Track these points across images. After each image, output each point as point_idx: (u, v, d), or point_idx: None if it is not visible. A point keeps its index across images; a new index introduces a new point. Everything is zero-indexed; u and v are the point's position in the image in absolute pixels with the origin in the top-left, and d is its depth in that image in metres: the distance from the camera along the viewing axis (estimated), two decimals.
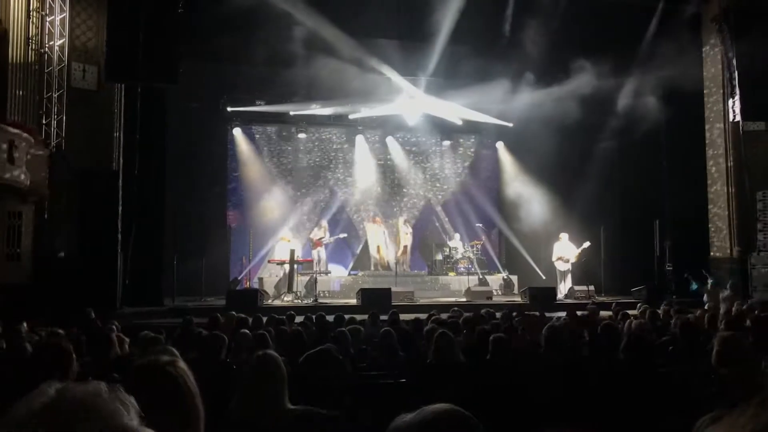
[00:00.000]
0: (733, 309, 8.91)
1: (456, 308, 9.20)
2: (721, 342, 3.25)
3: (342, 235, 16.55)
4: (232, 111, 16.95)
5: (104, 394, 0.95)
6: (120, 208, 12.41)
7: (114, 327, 6.88)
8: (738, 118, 13.95)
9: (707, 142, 15.43)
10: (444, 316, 8.37)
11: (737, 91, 13.79)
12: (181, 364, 1.70)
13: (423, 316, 8.56)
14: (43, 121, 12.04)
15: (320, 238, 15.67)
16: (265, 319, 8.13)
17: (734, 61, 13.83)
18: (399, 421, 1.31)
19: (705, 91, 15.47)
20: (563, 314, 9.56)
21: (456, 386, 3.65)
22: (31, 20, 11.99)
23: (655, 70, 14.43)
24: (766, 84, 13.70)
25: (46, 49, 12.16)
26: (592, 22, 14.29)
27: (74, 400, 0.91)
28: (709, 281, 13.13)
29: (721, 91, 14.84)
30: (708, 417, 0.79)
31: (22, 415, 0.89)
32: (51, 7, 12.23)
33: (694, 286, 13.81)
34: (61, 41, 12.33)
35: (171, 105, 14.31)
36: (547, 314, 9.45)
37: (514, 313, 8.55)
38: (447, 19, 13.94)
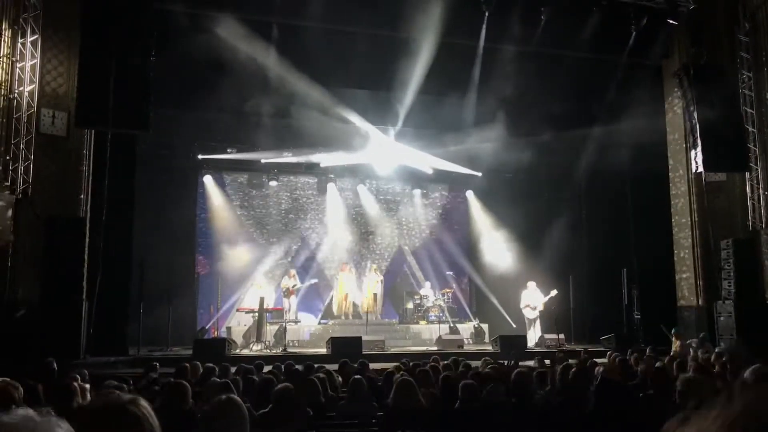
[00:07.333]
0: (700, 356, 9.00)
1: (435, 356, 9.21)
2: (684, 383, 3.29)
3: (313, 281, 16.44)
4: (203, 158, 16.93)
5: (36, 417, 0.92)
6: (86, 256, 12.17)
7: (78, 376, 6.68)
8: (700, 169, 14.29)
9: (671, 192, 15.77)
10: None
11: (699, 142, 14.16)
12: (144, 402, 1.56)
13: (393, 365, 8.50)
14: (10, 167, 11.87)
15: (293, 286, 15.53)
16: (233, 369, 7.99)
17: (695, 114, 14.24)
18: None
19: (668, 142, 15.89)
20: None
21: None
22: (0, 66, 11.93)
23: (620, 122, 14.81)
24: (726, 136, 14.14)
25: (15, 94, 12.07)
26: (559, 75, 14.67)
27: (5, 424, 0.87)
28: (673, 331, 13.27)
29: (684, 142, 15.25)
30: (676, 419, 0.80)
31: None
32: (21, 54, 12.18)
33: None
34: (30, 87, 12.25)
35: (141, 151, 14.24)
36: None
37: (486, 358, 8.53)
38: (417, 71, 14.21)
